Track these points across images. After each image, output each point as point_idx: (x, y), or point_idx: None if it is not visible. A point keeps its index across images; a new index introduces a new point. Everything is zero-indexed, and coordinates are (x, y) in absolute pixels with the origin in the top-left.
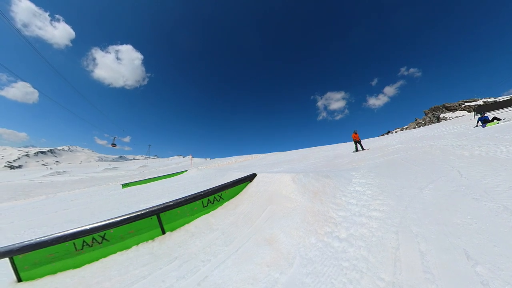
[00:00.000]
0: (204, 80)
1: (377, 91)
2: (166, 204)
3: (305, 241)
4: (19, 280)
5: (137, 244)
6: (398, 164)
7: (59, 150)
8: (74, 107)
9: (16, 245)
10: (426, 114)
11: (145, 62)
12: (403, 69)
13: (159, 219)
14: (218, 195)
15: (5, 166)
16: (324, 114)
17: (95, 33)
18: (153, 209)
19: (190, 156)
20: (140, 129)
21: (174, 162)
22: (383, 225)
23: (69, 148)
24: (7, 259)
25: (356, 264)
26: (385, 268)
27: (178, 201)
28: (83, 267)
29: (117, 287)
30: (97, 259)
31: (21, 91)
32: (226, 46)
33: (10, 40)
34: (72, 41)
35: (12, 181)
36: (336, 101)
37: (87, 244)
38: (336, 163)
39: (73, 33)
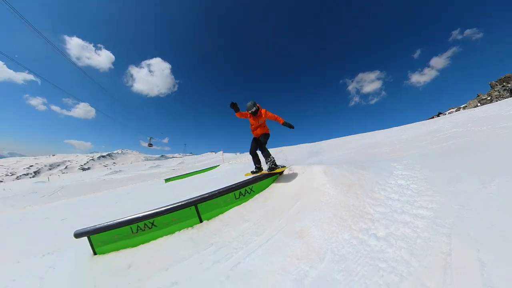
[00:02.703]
0: (229, 76)
1: (422, 64)
2: (202, 196)
3: (337, 236)
4: (94, 253)
5: (179, 230)
6: (452, 152)
7: (114, 153)
8: (122, 117)
9: (91, 227)
10: (493, 87)
11: (173, 71)
12: (455, 32)
13: (197, 209)
14: (249, 188)
15: (78, 168)
16: (356, 98)
17: (129, 52)
18: (191, 200)
19: (221, 152)
20: (176, 130)
21: (207, 158)
22: (431, 225)
23: (122, 151)
24: (85, 238)
25: (395, 266)
26: (431, 274)
27: (213, 193)
28: (138, 246)
29: (166, 264)
30: (148, 241)
31: (82, 110)
32: (249, 38)
33: (69, 71)
34: (113, 63)
35: (84, 180)
36: (369, 82)
37: (141, 229)
38: (374, 153)
39: (113, 56)
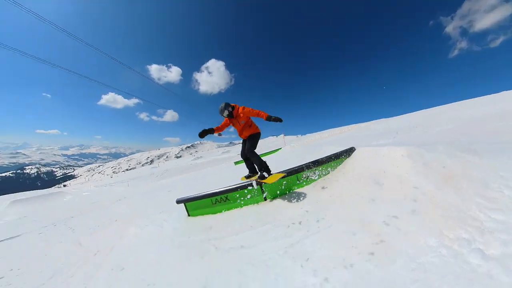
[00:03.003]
0: (284, 59)
1: None
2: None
3: (419, 239)
4: (188, 215)
5: (247, 205)
6: None
7: (195, 144)
8: (196, 116)
9: (186, 197)
10: None
11: (227, 66)
12: None
13: (262, 188)
14: (311, 171)
15: (174, 157)
16: (462, 44)
17: (190, 61)
18: (257, 180)
19: (282, 135)
20: None
21: (269, 142)
22: None
23: (200, 142)
24: (182, 204)
25: None
26: None
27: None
28: (216, 214)
29: (236, 231)
30: (224, 211)
31: (169, 115)
32: (307, 8)
33: (156, 89)
34: (181, 74)
35: (179, 164)
36: (486, 12)
37: (218, 201)
38: (492, 130)
39: (180, 69)
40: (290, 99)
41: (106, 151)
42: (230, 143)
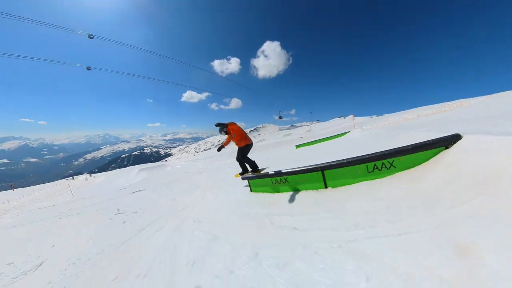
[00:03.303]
0: (350, 28)
1: None
2: (329, 163)
3: None
4: (251, 191)
5: (306, 190)
6: None
7: (258, 127)
8: (257, 100)
9: (250, 175)
10: None
11: (283, 45)
12: None
13: (323, 175)
14: (388, 161)
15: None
16: None
17: (246, 49)
18: (319, 166)
19: (351, 116)
20: (300, 100)
21: (334, 124)
22: None
23: (262, 125)
24: (247, 181)
25: None
26: None
27: (341, 162)
28: (275, 193)
29: (291, 212)
30: (282, 192)
31: (234, 103)
32: None
33: (221, 81)
34: (240, 63)
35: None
36: None
37: (278, 182)
38: None
39: (238, 59)
40: (360, 71)
41: (190, 136)
42: (292, 126)
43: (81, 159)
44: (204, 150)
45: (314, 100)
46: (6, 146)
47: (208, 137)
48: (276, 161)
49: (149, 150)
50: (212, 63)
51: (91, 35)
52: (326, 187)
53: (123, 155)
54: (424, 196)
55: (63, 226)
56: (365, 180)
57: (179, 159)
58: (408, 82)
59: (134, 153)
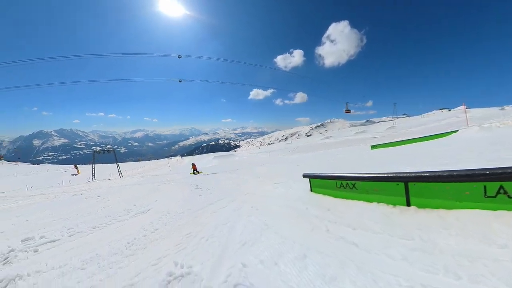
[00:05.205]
0: None
1: None
2: (419, 174)
3: None
4: (311, 190)
5: (378, 202)
6: None
7: (325, 123)
8: (324, 93)
9: (312, 174)
10: None
11: (352, 24)
12: None
13: (407, 188)
14: None
15: (304, 135)
16: None
17: (308, 39)
18: (402, 175)
19: (462, 107)
20: (380, 89)
21: (431, 120)
22: None
23: (330, 120)
24: (308, 179)
25: None
26: None
27: (438, 174)
28: (337, 198)
29: (353, 224)
30: (346, 198)
31: (299, 97)
32: None
33: (285, 76)
34: (304, 55)
35: (309, 142)
36: None
37: (343, 186)
38: None
39: (301, 51)
40: (478, 38)
41: (256, 130)
42: (367, 121)
43: (176, 146)
44: (269, 144)
45: (399, 88)
46: (137, 135)
47: (272, 132)
48: (343, 163)
49: (222, 142)
50: (275, 60)
51: (179, 55)
52: (408, 205)
53: (203, 145)
54: None
55: (163, 189)
56: (478, 208)
57: (245, 151)
58: None
59: (211, 143)
